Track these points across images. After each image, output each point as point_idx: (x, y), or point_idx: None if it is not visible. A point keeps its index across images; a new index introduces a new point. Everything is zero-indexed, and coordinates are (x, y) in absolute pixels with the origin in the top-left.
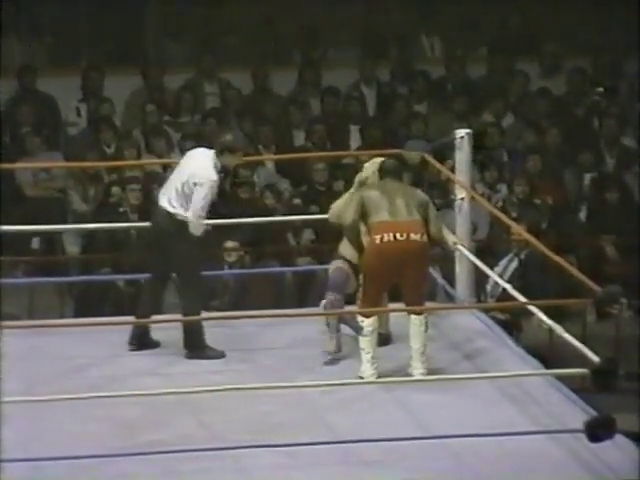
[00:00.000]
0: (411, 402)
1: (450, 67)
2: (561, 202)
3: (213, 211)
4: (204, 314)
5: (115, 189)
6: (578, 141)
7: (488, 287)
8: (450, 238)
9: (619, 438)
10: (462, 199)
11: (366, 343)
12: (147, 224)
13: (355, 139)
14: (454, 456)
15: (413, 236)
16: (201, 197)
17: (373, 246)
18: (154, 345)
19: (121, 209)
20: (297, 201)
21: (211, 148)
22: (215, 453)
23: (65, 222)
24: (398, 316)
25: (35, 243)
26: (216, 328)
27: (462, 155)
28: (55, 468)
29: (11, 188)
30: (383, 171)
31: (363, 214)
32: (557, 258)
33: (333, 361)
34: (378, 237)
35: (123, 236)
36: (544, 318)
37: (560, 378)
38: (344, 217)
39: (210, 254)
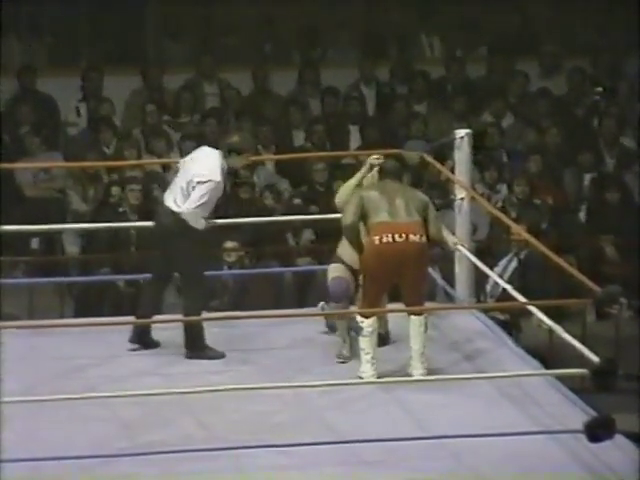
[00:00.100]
0: (411, 402)
1: (450, 67)
2: (561, 202)
3: (215, 211)
4: (204, 314)
5: (115, 189)
6: (578, 141)
7: (488, 287)
8: (450, 239)
9: (619, 438)
10: (462, 199)
11: (366, 343)
12: (147, 224)
13: (355, 139)
14: (454, 456)
15: (412, 237)
16: (200, 194)
17: (372, 247)
18: (154, 345)
19: (121, 209)
20: (297, 201)
21: (215, 148)
22: (215, 453)
23: (65, 222)
24: (398, 317)
25: (35, 243)
26: (216, 328)
27: (462, 155)
28: (55, 468)
29: (11, 188)
30: (383, 171)
31: (363, 215)
32: (557, 258)
33: (342, 361)
34: (377, 238)
35: (123, 236)
36: (544, 318)
37: (560, 378)
38: (345, 216)
39: (210, 254)
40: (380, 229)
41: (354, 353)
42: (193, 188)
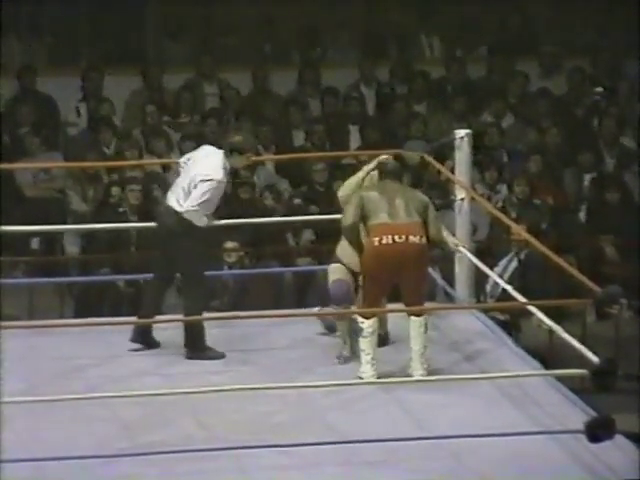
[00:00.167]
0: (411, 403)
1: (450, 67)
2: (561, 202)
3: (216, 211)
4: (205, 315)
5: (115, 189)
6: (578, 141)
7: (488, 287)
8: (451, 240)
9: (619, 438)
10: (462, 199)
11: (366, 344)
12: (147, 224)
13: (355, 139)
14: (454, 456)
15: (412, 238)
16: (201, 192)
17: (372, 248)
18: (155, 345)
19: (121, 209)
20: (297, 201)
21: (217, 148)
22: (215, 453)
23: (65, 222)
24: (398, 317)
25: (35, 243)
26: (216, 328)
27: (462, 155)
28: (55, 468)
29: (11, 188)
30: (383, 172)
31: (362, 216)
32: (557, 258)
33: (342, 362)
34: (377, 239)
35: (123, 236)
36: (544, 318)
37: (560, 378)
38: (345, 217)
39: (211, 254)
40: (380, 230)
41: (354, 354)
42: (195, 187)
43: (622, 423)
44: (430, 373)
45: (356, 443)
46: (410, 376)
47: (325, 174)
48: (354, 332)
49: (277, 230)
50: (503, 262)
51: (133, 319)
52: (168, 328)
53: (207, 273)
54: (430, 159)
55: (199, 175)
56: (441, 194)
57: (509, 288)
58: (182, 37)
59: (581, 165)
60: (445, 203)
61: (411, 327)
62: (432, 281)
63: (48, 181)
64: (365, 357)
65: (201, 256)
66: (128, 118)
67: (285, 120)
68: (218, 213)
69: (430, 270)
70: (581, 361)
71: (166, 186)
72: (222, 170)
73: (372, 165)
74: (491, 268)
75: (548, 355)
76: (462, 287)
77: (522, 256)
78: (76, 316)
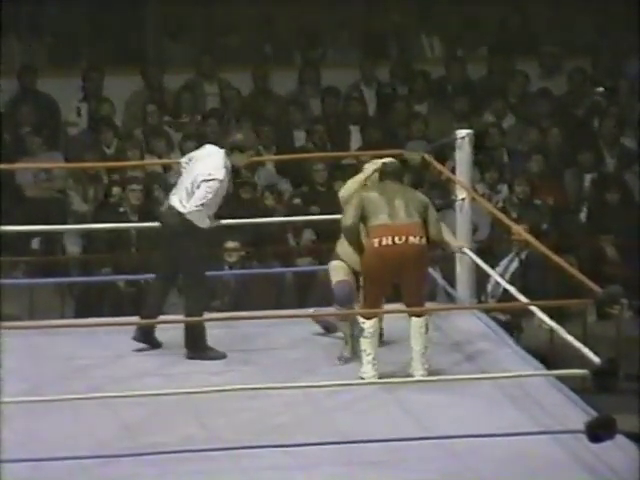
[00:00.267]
0: (412, 403)
1: (450, 67)
2: (561, 202)
3: (218, 211)
4: (206, 315)
5: (115, 189)
6: (578, 141)
7: (489, 287)
8: (453, 241)
9: (620, 439)
10: (463, 200)
11: (367, 344)
12: (148, 224)
13: (355, 139)
14: (455, 457)
15: (412, 239)
16: (204, 193)
17: (372, 249)
18: (157, 345)
19: (121, 209)
20: (297, 201)
21: (219, 147)
22: (216, 454)
23: (65, 222)
24: (398, 317)
25: (35, 243)
26: (217, 329)
27: (462, 155)
28: (55, 468)
29: (11, 188)
30: (383, 172)
31: (362, 216)
32: (557, 258)
33: (343, 362)
34: (377, 240)
35: (123, 236)
36: (545, 319)
37: (561, 379)
38: (345, 218)
39: (212, 254)
40: (380, 231)
41: (355, 354)
42: (197, 187)
43: (623, 423)
44: (431, 373)
45: (357, 443)
46: (411, 376)
47: (325, 174)
48: (355, 333)
49: (278, 230)
50: (504, 262)
51: (134, 319)
52: (169, 328)
53: (208, 273)
54: (431, 159)
55: (201, 175)
56: (442, 194)
57: (510, 288)
58: (182, 37)
59: (581, 165)
60: (446, 203)
61: (412, 328)
62: (433, 281)
63: (48, 181)
64: (366, 357)
65: (203, 256)
66: (128, 118)
67: (286, 120)
68: (219, 213)
69: (431, 270)
70: (582, 361)
71: (167, 186)
72: (224, 169)
73: (374, 167)
74: (492, 268)
75: (549, 355)
76: (463, 287)
77: (523, 256)
78: (76, 316)
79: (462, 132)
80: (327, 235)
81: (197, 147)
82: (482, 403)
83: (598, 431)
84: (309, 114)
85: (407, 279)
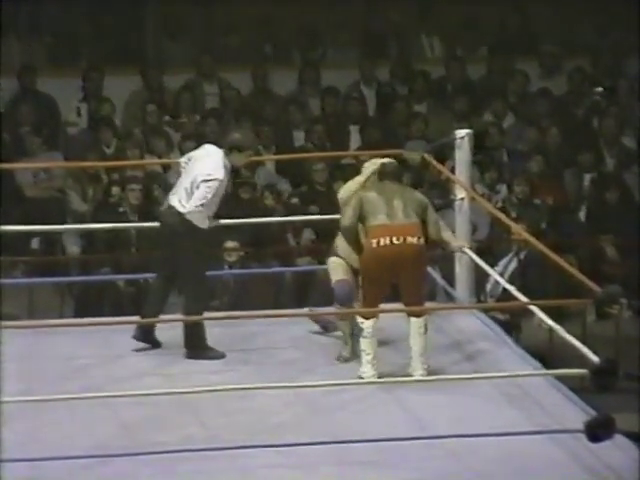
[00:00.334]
0: (411, 403)
1: (450, 67)
2: (561, 202)
3: (217, 210)
4: (205, 314)
5: (115, 189)
6: (578, 141)
7: (488, 287)
8: (453, 241)
9: (619, 438)
10: (462, 199)
11: (366, 344)
12: (148, 224)
13: (355, 139)
14: (454, 456)
15: (410, 239)
16: (203, 193)
17: (370, 250)
18: (156, 345)
19: (121, 209)
20: (294, 200)
21: (218, 146)
22: (215, 453)
23: (65, 222)
24: (398, 317)
25: (35, 243)
26: (216, 328)
27: (462, 155)
28: (55, 468)
29: (11, 188)
30: (383, 172)
31: (361, 216)
32: (557, 258)
33: (342, 362)
34: (375, 241)
35: (123, 236)
36: (544, 318)
37: (560, 378)
38: (343, 218)
39: (211, 254)
40: (378, 232)
41: (355, 354)
42: (197, 187)
43: (622, 423)
44: (430, 373)
45: (356, 443)
46: (410, 376)
47: (325, 174)
48: (355, 332)
49: (277, 230)
50: (503, 262)
51: (134, 319)
52: (169, 328)
53: (208, 273)
54: (430, 159)
55: (200, 175)
56: (441, 194)
57: (510, 288)
58: (182, 37)
59: (581, 165)
60: (445, 203)
61: (411, 328)
62: (432, 281)
63: (48, 181)
64: (365, 357)
65: (202, 256)
66: (128, 118)
67: (285, 120)
68: (218, 212)
69: (430, 270)
70: (581, 361)
71: (166, 186)
72: (222, 169)
73: (373, 168)
74: (491, 268)
75: (548, 355)
76: (462, 287)
77: (522, 256)
78: (76, 316)
79: (462, 132)
80: (327, 235)
81: (196, 147)
82: (481, 403)
83: (597, 430)
84: (309, 114)
85: (405, 279)
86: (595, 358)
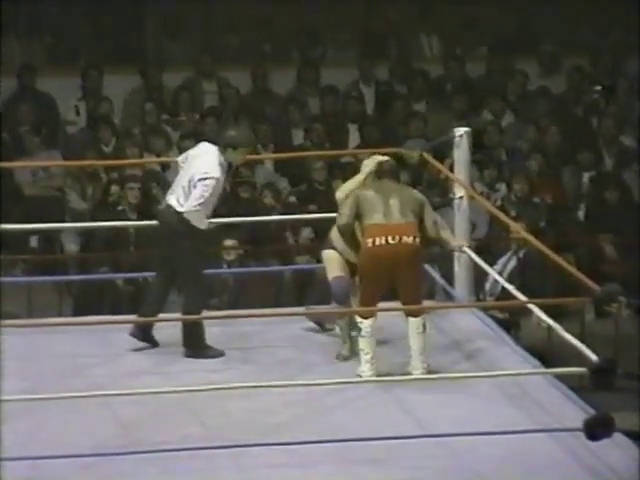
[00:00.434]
0: (411, 401)
1: (449, 66)
2: (560, 201)
3: (215, 209)
4: (204, 313)
5: (114, 188)
6: (577, 140)
7: (487, 286)
8: (452, 239)
9: (618, 437)
10: (461, 198)
11: (365, 344)
12: (147, 222)
13: (354, 138)
14: (453, 455)
15: (405, 239)
16: (201, 192)
17: (366, 249)
18: (154, 344)
19: (120, 207)
20: (295, 200)
21: (213, 144)
22: (214, 452)
23: (64, 221)
24: (397, 317)
25: (34, 242)
26: (215, 327)
27: (461, 154)
28: (55, 467)
29: (10, 187)
30: (380, 171)
31: (358, 215)
32: (556, 257)
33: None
34: (370, 240)
35: (122, 235)
36: (543, 317)
37: (559, 377)
38: (340, 216)
39: (210, 253)
40: (374, 231)
41: (353, 352)
42: (194, 186)
43: (621, 421)
44: (429, 372)
45: (355, 441)
46: (409, 374)
47: (324, 173)
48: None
49: (276, 228)
50: (502, 260)
51: (132, 317)
52: (167, 327)
53: (206, 271)
54: (429, 157)
55: (197, 174)
56: (440, 192)
57: (509, 286)
58: (181, 36)
59: (580, 164)
60: (444, 201)
61: (409, 328)
62: (431, 279)
63: (47, 179)
64: (364, 356)
65: (200, 255)
66: (127, 117)
67: (284, 119)
68: (217, 211)
69: (429, 268)
70: (580, 359)
71: (165, 185)
72: (219, 167)
73: (370, 167)
74: (490, 266)
75: (547, 353)
76: (461, 285)
77: (521, 254)
78: (75, 314)
79: (460, 130)
80: (325, 233)
81: (199, 143)
82: (480, 401)
83: (596, 429)
84: (308, 113)
85: (402, 279)
86: (594, 357)
